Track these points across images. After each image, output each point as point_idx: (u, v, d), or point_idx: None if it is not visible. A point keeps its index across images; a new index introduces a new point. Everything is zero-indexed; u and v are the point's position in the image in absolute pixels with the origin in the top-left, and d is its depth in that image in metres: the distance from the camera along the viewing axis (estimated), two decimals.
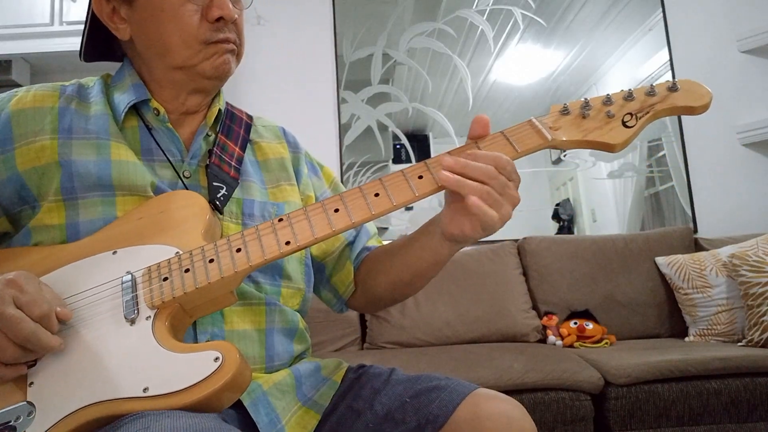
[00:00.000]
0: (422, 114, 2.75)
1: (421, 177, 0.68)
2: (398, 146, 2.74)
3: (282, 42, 2.73)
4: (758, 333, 1.85)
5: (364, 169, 2.70)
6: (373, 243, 0.95)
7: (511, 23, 2.78)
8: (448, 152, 0.69)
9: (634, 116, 0.68)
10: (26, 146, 0.72)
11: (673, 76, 2.67)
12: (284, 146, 0.92)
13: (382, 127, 2.73)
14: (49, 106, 0.75)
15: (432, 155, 2.72)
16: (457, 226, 0.70)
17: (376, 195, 0.67)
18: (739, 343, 1.93)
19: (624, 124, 0.68)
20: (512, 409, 0.69)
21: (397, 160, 2.73)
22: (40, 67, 2.72)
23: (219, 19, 0.74)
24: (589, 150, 0.78)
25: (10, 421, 0.57)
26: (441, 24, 2.78)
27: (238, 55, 0.80)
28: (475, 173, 0.65)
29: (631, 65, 2.76)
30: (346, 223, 0.66)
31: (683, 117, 2.65)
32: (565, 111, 0.71)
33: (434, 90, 2.75)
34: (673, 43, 2.71)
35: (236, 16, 0.77)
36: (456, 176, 0.65)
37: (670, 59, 2.70)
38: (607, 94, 0.70)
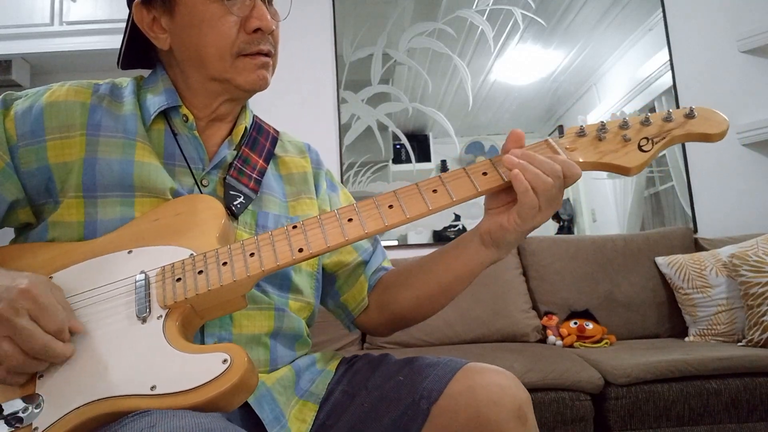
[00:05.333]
0: (422, 114, 2.75)
1: (435, 191, 0.69)
2: (398, 146, 2.74)
3: (282, 42, 2.72)
4: (758, 333, 1.85)
5: (364, 169, 2.70)
6: (387, 264, 0.94)
7: (511, 23, 2.78)
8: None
9: (650, 141, 0.69)
10: (59, 140, 0.73)
11: (673, 76, 2.68)
12: (307, 161, 0.93)
13: (382, 127, 2.74)
14: (80, 102, 0.76)
15: (432, 155, 2.74)
16: (498, 220, 0.72)
17: (390, 207, 0.68)
18: (739, 343, 1.93)
19: (640, 148, 0.69)
20: (505, 378, 0.69)
21: (397, 160, 2.73)
22: (40, 67, 2.72)
23: (257, 30, 0.75)
24: None
25: (18, 412, 0.57)
26: (441, 24, 2.78)
27: (273, 66, 0.81)
28: (545, 167, 0.67)
29: (631, 65, 2.77)
30: (359, 232, 0.67)
31: None
32: (581, 133, 0.71)
33: (434, 90, 2.75)
34: (673, 43, 2.71)
35: (273, 27, 0.78)
36: (519, 161, 0.68)
37: (670, 59, 2.70)
38: (624, 118, 0.71)
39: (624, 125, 0.70)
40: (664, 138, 0.69)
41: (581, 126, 0.72)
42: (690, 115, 0.69)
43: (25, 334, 0.56)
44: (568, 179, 0.68)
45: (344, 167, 2.68)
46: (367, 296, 0.89)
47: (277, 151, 0.90)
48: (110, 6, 2.54)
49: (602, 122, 0.71)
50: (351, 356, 0.85)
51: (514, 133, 0.71)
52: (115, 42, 2.44)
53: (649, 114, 0.71)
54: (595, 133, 0.71)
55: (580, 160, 0.70)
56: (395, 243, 2.65)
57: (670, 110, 0.70)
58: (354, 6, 2.80)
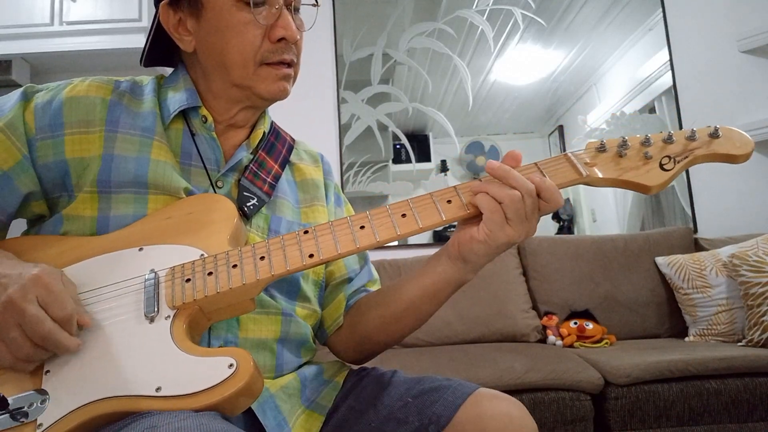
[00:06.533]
0: (422, 114, 2.75)
1: (449, 201, 0.68)
2: (398, 146, 2.74)
3: None
4: (758, 333, 1.85)
5: (365, 169, 2.70)
6: (372, 287, 0.92)
7: (511, 23, 2.78)
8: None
9: (672, 160, 0.67)
10: (78, 135, 0.73)
11: (673, 76, 2.68)
12: (320, 171, 0.94)
13: (382, 127, 2.73)
14: (101, 97, 0.76)
15: (432, 155, 2.74)
16: (466, 231, 0.70)
17: (403, 215, 0.68)
18: (739, 343, 1.93)
19: (662, 166, 0.67)
20: (514, 408, 0.70)
21: (397, 160, 2.73)
22: (40, 67, 2.71)
23: (281, 39, 0.75)
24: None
25: (24, 407, 0.57)
26: (441, 24, 2.78)
27: (294, 76, 0.81)
28: (516, 183, 0.66)
29: (631, 65, 2.77)
30: (370, 240, 0.66)
31: (682, 116, 2.65)
32: (602, 148, 0.70)
33: (434, 90, 2.75)
34: (673, 43, 2.71)
35: (298, 37, 0.78)
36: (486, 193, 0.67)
37: (670, 59, 2.70)
38: (647, 135, 0.69)
39: (646, 142, 0.69)
40: (687, 157, 0.67)
41: (602, 141, 0.70)
42: (714, 134, 0.67)
43: (33, 320, 0.56)
44: (549, 203, 0.67)
45: (344, 167, 2.68)
46: (343, 316, 0.87)
47: (293, 158, 0.90)
48: (110, 6, 2.54)
49: (624, 138, 0.69)
50: (358, 368, 0.85)
51: (512, 156, 0.70)
52: (116, 42, 2.46)
53: (672, 132, 0.69)
54: (616, 148, 0.69)
55: (600, 176, 0.68)
56: (395, 243, 2.65)
57: (694, 129, 0.68)
58: (354, 6, 2.80)
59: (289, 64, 0.78)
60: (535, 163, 0.70)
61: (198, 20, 0.76)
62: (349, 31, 2.78)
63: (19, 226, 0.78)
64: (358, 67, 2.76)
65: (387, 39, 2.78)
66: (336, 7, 2.79)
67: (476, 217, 0.69)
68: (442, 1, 2.79)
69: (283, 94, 0.79)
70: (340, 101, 2.73)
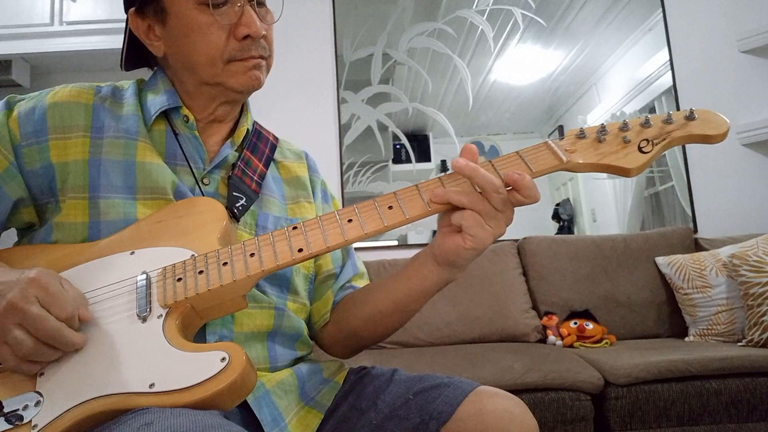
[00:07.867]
0: (422, 114, 2.75)
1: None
2: (398, 146, 2.74)
3: (282, 42, 2.73)
4: (758, 333, 1.85)
5: (364, 169, 2.70)
6: (358, 282, 0.93)
7: (511, 23, 2.78)
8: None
9: (650, 142, 0.69)
10: (62, 140, 0.74)
11: (673, 76, 2.68)
12: (304, 167, 0.94)
13: (382, 127, 2.74)
14: (83, 103, 0.77)
15: (432, 155, 2.74)
16: (452, 240, 0.70)
17: (390, 207, 0.69)
18: (739, 343, 1.93)
19: (640, 149, 0.69)
20: (514, 406, 0.70)
21: (397, 160, 2.73)
22: (40, 67, 2.72)
23: (246, 37, 0.76)
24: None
25: (18, 410, 0.58)
26: (441, 24, 2.78)
27: (267, 67, 0.81)
28: (482, 181, 0.65)
29: (631, 65, 2.77)
30: (358, 233, 0.67)
31: None
32: (581, 135, 0.72)
33: (434, 90, 2.75)
34: (673, 43, 2.71)
35: (264, 32, 0.78)
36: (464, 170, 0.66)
37: (670, 59, 2.70)
38: (624, 120, 0.71)
39: (624, 127, 0.71)
40: (665, 139, 0.69)
41: (581, 128, 0.72)
42: (690, 116, 0.69)
43: (37, 319, 0.56)
44: (527, 199, 0.66)
45: (344, 167, 2.68)
46: (330, 311, 0.88)
47: (276, 156, 0.91)
48: (110, 6, 2.54)
49: (602, 124, 0.71)
50: (358, 368, 0.85)
51: (467, 149, 0.70)
52: (116, 42, 2.46)
53: (649, 116, 0.71)
54: (595, 134, 0.71)
55: (580, 161, 0.70)
56: (395, 243, 2.65)
57: (670, 112, 0.70)
58: (354, 6, 2.80)
59: (261, 59, 0.79)
60: (517, 152, 0.71)
61: (164, 26, 0.78)
62: (349, 31, 2.78)
63: (9, 239, 0.78)
64: (358, 67, 2.76)
65: (387, 39, 2.78)
66: (336, 7, 2.79)
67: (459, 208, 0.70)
68: (442, 1, 2.79)
69: (256, 83, 0.79)
70: (340, 101, 2.73)
